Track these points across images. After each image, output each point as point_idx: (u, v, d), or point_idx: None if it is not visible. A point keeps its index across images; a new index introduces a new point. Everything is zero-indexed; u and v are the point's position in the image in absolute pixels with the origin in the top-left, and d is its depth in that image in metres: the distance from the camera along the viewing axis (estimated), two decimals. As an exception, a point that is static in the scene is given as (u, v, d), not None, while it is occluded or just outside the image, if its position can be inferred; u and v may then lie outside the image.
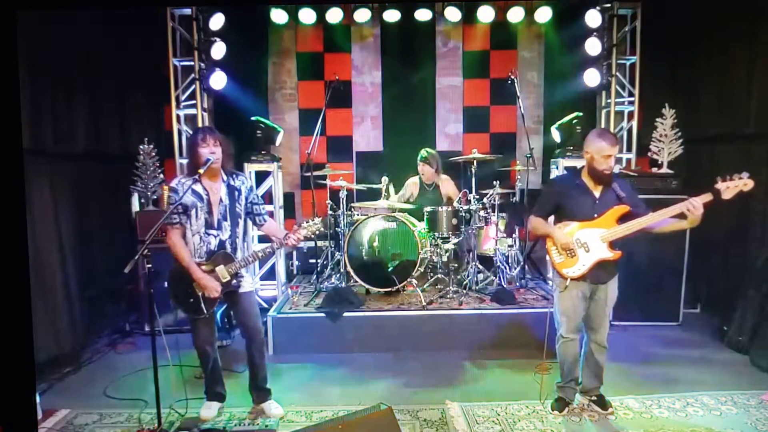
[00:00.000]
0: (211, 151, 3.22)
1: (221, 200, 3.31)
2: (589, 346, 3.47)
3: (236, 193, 3.36)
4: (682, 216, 3.12)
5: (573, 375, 3.53)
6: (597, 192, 3.29)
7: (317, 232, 3.36)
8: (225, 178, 3.35)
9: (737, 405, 3.55)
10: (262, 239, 5.84)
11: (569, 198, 3.32)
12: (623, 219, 3.23)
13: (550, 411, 3.50)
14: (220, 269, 3.26)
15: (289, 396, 3.81)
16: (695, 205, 3.04)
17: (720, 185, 3.02)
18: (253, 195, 3.46)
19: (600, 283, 3.32)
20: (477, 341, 4.58)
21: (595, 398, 3.54)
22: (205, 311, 3.29)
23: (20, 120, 2.60)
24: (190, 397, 3.53)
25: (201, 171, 3.18)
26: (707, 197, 3.05)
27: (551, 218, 3.49)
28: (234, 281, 3.32)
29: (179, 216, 3.24)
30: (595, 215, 3.26)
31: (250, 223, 3.49)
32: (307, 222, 3.33)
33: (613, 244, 3.24)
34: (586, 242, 3.25)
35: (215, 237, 3.29)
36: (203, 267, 3.27)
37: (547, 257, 3.46)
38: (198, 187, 3.27)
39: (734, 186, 3.01)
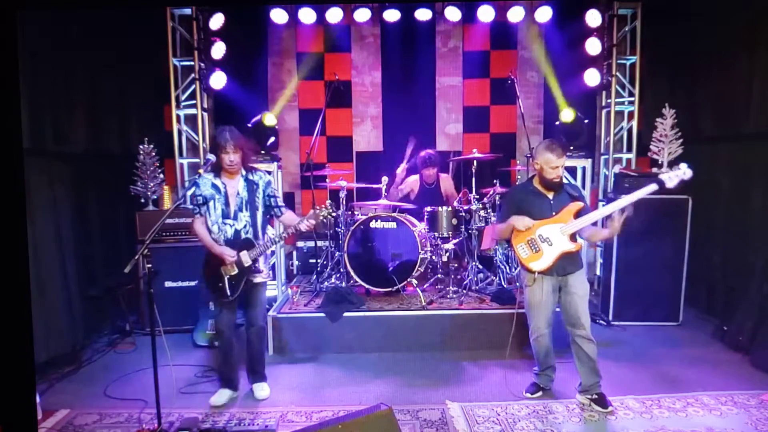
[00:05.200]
0: (231, 159, 3.51)
1: (238, 193, 3.61)
2: (576, 342, 3.54)
3: (254, 186, 3.66)
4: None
5: (548, 363, 3.74)
6: (551, 194, 3.55)
7: (329, 216, 3.67)
8: (243, 173, 3.64)
9: (737, 405, 3.55)
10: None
11: (527, 203, 3.58)
12: (579, 215, 3.47)
13: (523, 394, 3.74)
14: (243, 254, 3.55)
15: (289, 396, 3.81)
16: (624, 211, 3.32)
17: (663, 176, 3.39)
18: (270, 189, 3.74)
19: (567, 274, 3.51)
20: (477, 341, 4.58)
21: (596, 397, 3.54)
22: (229, 294, 3.56)
23: (20, 120, 2.60)
24: (190, 397, 3.54)
25: (201, 171, 3.53)
26: (652, 188, 3.34)
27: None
28: (255, 265, 3.60)
29: (199, 207, 3.59)
30: (553, 213, 3.51)
31: (266, 214, 3.76)
32: (318, 209, 3.60)
33: (573, 237, 3.46)
34: (549, 237, 3.48)
35: (231, 226, 3.60)
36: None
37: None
38: (217, 181, 3.60)
39: (675, 175, 3.38)
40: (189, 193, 3.62)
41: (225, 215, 3.60)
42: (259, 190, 3.68)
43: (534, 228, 3.50)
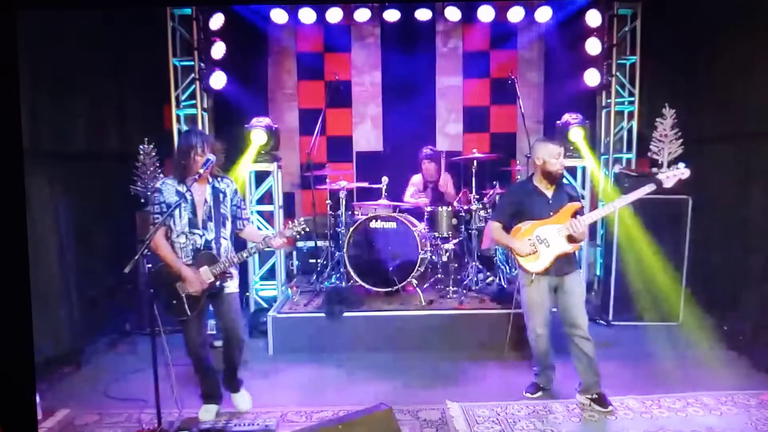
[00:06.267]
0: (207, 159, 3.27)
1: (206, 201, 3.35)
2: (574, 342, 3.53)
3: (221, 195, 3.41)
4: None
5: (548, 363, 3.75)
6: (549, 193, 3.55)
7: (301, 233, 3.44)
8: (210, 180, 3.39)
9: (737, 405, 3.55)
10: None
11: (525, 202, 3.58)
12: (576, 215, 3.48)
13: (523, 394, 3.74)
14: (204, 270, 3.28)
15: (289, 396, 3.81)
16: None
17: (661, 176, 3.43)
18: (237, 198, 3.51)
19: (564, 275, 3.53)
20: (477, 341, 4.58)
21: (596, 397, 3.54)
22: (189, 312, 3.31)
23: (20, 120, 2.60)
24: (190, 397, 3.53)
25: (201, 171, 3.24)
26: (650, 188, 3.37)
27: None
28: (218, 282, 3.34)
29: (162, 216, 3.24)
30: (551, 213, 3.51)
31: (234, 225, 3.52)
32: (290, 224, 3.41)
33: (570, 238, 3.45)
34: (546, 238, 3.49)
35: (200, 237, 3.33)
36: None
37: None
38: (182, 188, 3.31)
39: (673, 175, 3.41)
40: (155, 200, 3.32)
41: (192, 224, 3.31)
42: (227, 199, 3.43)
43: (531, 228, 3.51)
